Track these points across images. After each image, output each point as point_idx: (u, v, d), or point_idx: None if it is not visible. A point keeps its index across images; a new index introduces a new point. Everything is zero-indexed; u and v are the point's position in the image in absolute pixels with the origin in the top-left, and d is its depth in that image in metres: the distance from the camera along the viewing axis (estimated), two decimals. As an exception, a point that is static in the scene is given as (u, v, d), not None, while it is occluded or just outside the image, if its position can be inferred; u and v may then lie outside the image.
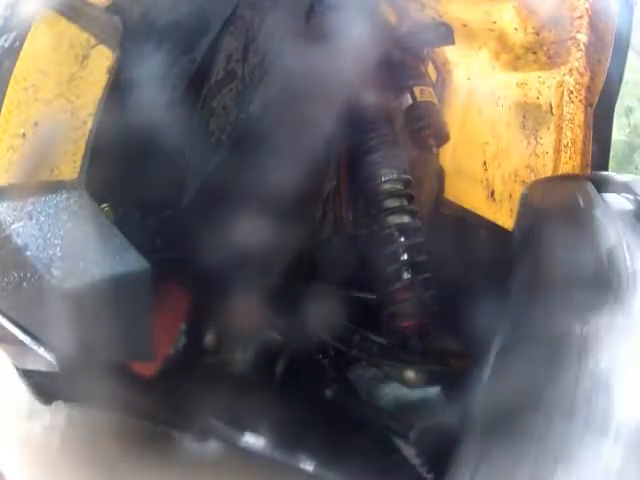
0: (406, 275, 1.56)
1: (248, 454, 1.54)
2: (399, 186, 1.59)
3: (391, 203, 1.58)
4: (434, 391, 1.55)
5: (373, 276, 1.60)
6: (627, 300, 0.95)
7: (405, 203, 1.59)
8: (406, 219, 1.58)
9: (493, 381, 1.08)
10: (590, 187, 1.23)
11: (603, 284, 0.98)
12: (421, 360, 1.56)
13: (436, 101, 1.65)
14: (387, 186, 1.58)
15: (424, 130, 1.63)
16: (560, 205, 1.24)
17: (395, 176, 1.59)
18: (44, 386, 1.67)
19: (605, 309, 0.94)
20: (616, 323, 0.93)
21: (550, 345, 0.98)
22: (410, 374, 1.55)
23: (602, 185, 1.24)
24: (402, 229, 1.57)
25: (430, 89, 1.64)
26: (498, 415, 0.99)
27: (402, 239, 1.57)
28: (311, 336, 1.65)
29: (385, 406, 1.61)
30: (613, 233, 1.04)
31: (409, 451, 1.50)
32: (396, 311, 1.56)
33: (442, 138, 1.65)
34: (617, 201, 1.13)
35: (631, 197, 1.14)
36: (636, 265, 0.99)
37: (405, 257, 1.56)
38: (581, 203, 1.16)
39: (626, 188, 1.19)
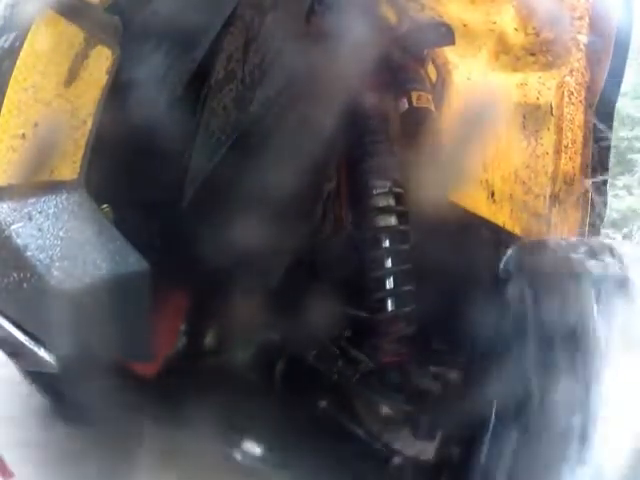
0: (390, 306, 1.55)
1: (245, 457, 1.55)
2: (391, 201, 1.58)
3: (381, 221, 1.58)
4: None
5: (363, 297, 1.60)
6: (592, 365, 1.00)
7: (394, 222, 1.58)
8: (396, 240, 1.57)
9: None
10: (575, 253, 1.25)
11: (574, 347, 1.02)
12: (397, 397, 1.56)
13: (433, 107, 1.65)
14: (378, 201, 1.58)
15: (418, 136, 1.62)
16: (546, 270, 1.26)
17: (387, 189, 1.58)
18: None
19: (572, 371, 0.99)
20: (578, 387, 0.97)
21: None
22: (385, 409, 1.56)
23: (586, 250, 1.27)
24: (390, 252, 1.56)
25: (427, 95, 1.63)
26: None
27: (389, 264, 1.56)
28: (310, 339, 1.65)
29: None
30: (589, 300, 1.08)
31: (394, 473, 1.51)
32: (378, 345, 1.56)
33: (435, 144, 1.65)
34: (599, 267, 1.16)
35: (613, 264, 1.17)
36: (604, 332, 1.03)
37: (391, 285, 1.55)
38: (565, 269, 1.19)
39: (611, 254, 1.22)
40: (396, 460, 1.48)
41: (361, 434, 1.57)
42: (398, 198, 1.59)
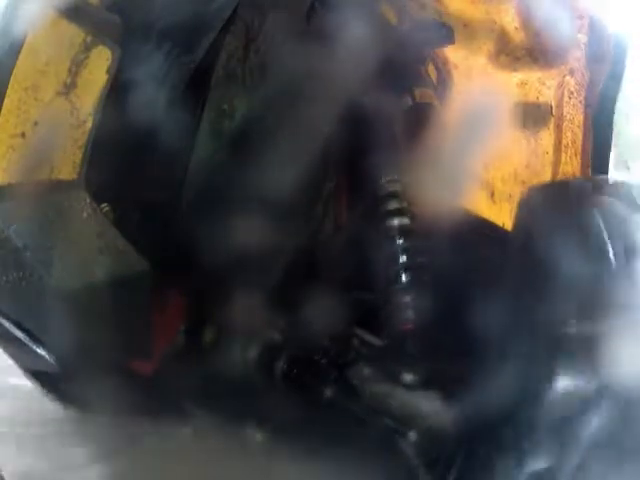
0: (405, 277, 1.56)
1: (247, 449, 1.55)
2: (399, 187, 1.59)
3: (392, 205, 1.59)
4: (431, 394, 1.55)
5: (372, 277, 1.60)
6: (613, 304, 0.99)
7: (405, 205, 1.60)
8: (406, 221, 1.59)
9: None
10: (587, 191, 1.25)
11: (593, 289, 1.02)
12: (418, 363, 1.56)
13: (436, 103, 1.65)
14: (387, 187, 1.59)
15: (422, 131, 1.63)
16: (557, 210, 1.25)
17: (396, 177, 1.59)
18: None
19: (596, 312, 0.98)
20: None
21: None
22: (408, 377, 1.56)
23: (599, 188, 1.26)
24: (402, 231, 1.58)
25: (430, 91, 1.64)
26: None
27: (402, 241, 1.57)
28: (311, 336, 1.65)
29: (385, 406, 1.61)
30: (604, 238, 1.08)
31: (409, 450, 1.50)
32: (394, 313, 1.57)
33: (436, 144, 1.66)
34: (612, 205, 1.15)
35: (626, 201, 1.16)
36: (622, 268, 1.02)
37: (404, 259, 1.56)
38: (577, 208, 1.18)
39: (622, 192, 1.21)
40: (413, 435, 1.47)
41: (371, 419, 1.56)
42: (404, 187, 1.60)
